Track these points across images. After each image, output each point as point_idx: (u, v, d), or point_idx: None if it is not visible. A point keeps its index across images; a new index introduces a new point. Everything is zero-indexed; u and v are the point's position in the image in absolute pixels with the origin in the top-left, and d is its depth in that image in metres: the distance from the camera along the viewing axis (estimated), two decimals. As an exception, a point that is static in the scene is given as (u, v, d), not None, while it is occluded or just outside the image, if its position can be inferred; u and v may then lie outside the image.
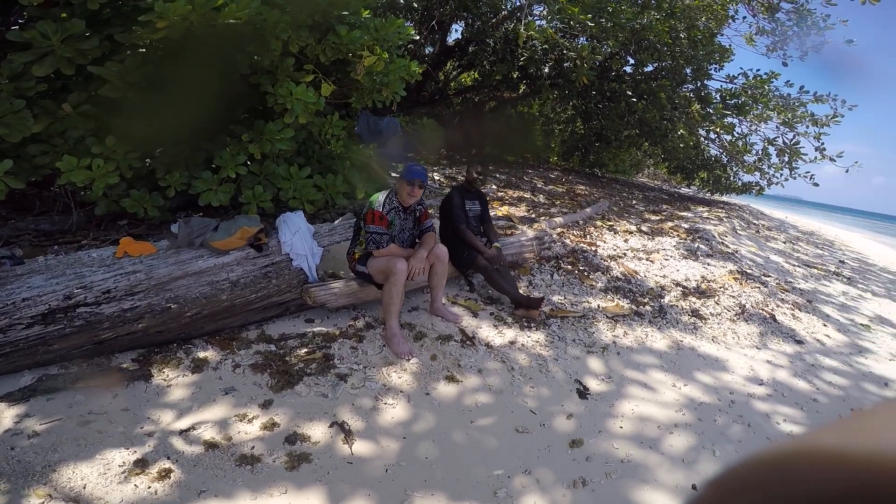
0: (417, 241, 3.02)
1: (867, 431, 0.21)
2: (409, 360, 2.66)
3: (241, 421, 2.06)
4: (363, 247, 2.81)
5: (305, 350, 2.66)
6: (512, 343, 3.01)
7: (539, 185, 9.29)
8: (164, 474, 1.76)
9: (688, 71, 8.98)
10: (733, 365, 3.30)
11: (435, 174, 8.15)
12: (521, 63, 7.63)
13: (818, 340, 4.05)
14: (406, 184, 2.78)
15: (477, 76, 10.38)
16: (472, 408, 2.41)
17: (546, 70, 7.45)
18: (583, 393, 2.65)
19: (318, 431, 2.07)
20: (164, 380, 2.26)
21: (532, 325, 3.25)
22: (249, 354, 2.56)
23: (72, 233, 3.62)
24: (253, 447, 1.93)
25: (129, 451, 1.83)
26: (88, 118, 3.02)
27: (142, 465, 1.78)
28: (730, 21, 8.92)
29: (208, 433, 1.97)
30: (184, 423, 2.00)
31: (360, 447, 2.03)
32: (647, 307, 3.90)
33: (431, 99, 10.56)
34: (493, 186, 8.14)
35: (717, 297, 4.36)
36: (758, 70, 9.31)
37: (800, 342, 3.88)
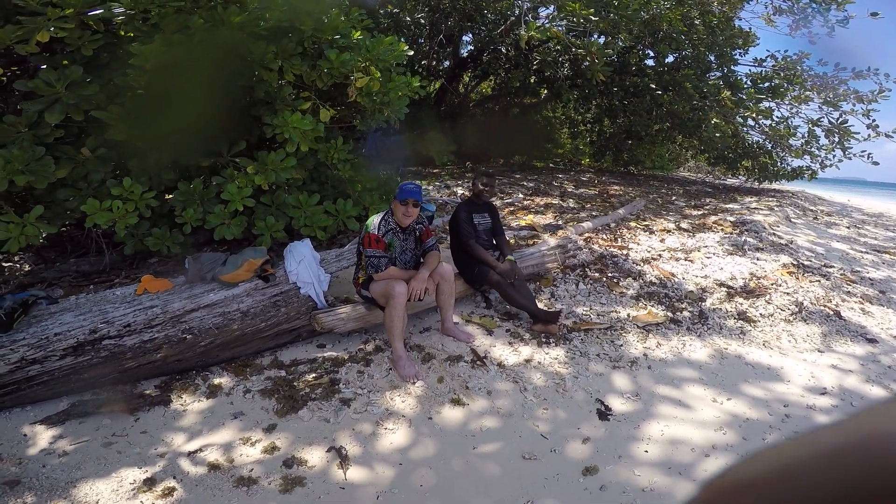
0: (422, 260, 2.92)
1: (866, 431, 0.21)
2: (414, 383, 2.57)
3: (244, 444, 2.13)
4: (365, 271, 2.76)
5: (313, 375, 2.68)
6: (527, 361, 2.83)
7: (569, 190, 8.98)
8: (168, 493, 1.87)
9: (711, 58, 8.58)
10: (789, 373, 2.92)
11: (458, 189, 8.09)
12: (535, 67, 7.51)
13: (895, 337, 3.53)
14: (400, 204, 2.71)
15: (495, 85, 10.33)
16: (476, 433, 2.27)
17: (564, 72, 7.28)
18: (604, 414, 2.42)
19: (315, 456, 2.08)
20: (182, 405, 2.40)
21: (551, 340, 3.05)
22: (260, 380, 2.63)
23: (106, 272, 3.85)
24: (252, 469, 1.99)
25: (141, 470, 1.97)
26: (107, 161, 3.21)
27: (150, 483, 1.91)
28: (744, 3, 8.49)
29: (213, 455, 2.06)
30: (193, 446, 2.11)
31: (355, 473, 2.01)
32: (686, 313, 3.58)
33: (453, 112, 10.59)
34: (520, 195, 7.96)
35: (768, 296, 3.94)
36: (786, 51, 8.88)
37: (872, 341, 3.39)
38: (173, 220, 3.42)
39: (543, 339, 3.05)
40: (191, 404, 2.40)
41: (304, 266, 2.84)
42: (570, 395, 2.57)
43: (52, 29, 2.40)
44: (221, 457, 2.05)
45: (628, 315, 3.46)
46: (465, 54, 9.85)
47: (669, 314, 3.51)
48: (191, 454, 2.05)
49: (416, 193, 2.70)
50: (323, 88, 3.39)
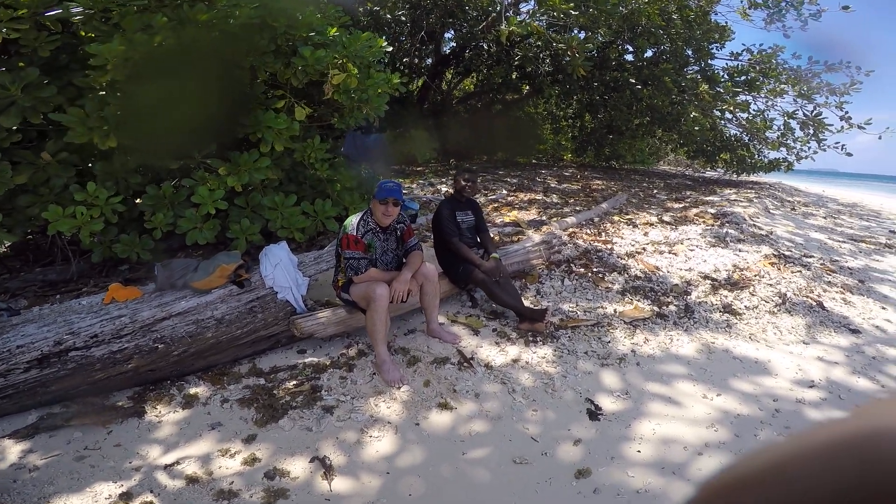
0: (405, 260, 2.83)
1: (865, 430, 0.21)
2: (399, 387, 2.48)
3: (223, 456, 2.05)
4: (345, 274, 2.65)
5: (294, 382, 2.59)
6: (515, 361, 2.77)
7: (552, 185, 8.98)
8: (146, 506, 1.78)
9: (689, 52, 8.69)
10: (776, 366, 2.91)
11: (442, 186, 8.01)
12: (516, 63, 7.47)
13: (878, 327, 3.54)
14: (379, 203, 2.60)
15: (477, 81, 10.28)
16: (465, 438, 2.20)
17: (544, 67, 7.26)
18: (594, 414, 2.37)
19: (298, 467, 2.01)
20: (157, 416, 2.31)
21: (539, 338, 2.99)
22: (239, 389, 2.54)
23: (74, 281, 3.66)
24: (232, 482, 1.92)
25: (116, 484, 1.90)
26: (69, 165, 3.04)
27: (126, 497, 1.84)
28: None
29: (191, 468, 1.98)
30: (169, 458, 2.03)
31: (340, 483, 1.94)
32: (672, 307, 3.56)
33: (436, 110, 10.50)
34: (504, 191, 7.91)
35: (752, 288, 3.95)
36: (761, 45, 9.20)
37: (855, 331, 3.41)
38: (143, 225, 3.26)
39: (531, 338, 2.99)
40: (166, 415, 2.32)
41: (281, 270, 2.72)
42: (559, 396, 2.52)
43: (4, 30, 2.25)
44: (200, 469, 1.98)
45: (615, 310, 3.43)
46: (448, 51, 9.77)
47: (655, 308, 3.49)
48: (167, 467, 1.98)
49: (396, 192, 2.61)
50: (298, 86, 3.27)
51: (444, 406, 2.39)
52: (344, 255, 2.60)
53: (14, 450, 2.06)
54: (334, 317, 2.80)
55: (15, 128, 2.68)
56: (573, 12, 5.54)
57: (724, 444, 2.18)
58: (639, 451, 2.14)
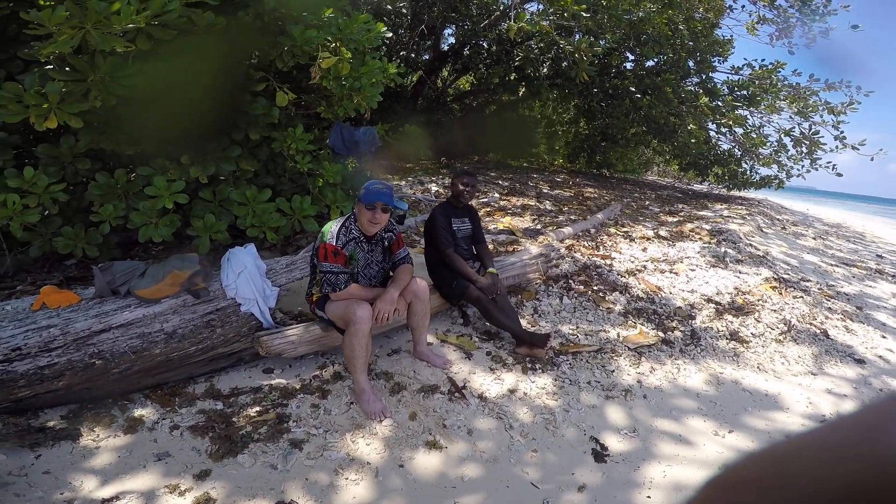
0: (392, 274, 2.47)
1: (865, 430, 0.21)
2: (381, 421, 2.15)
3: (171, 493, 1.78)
4: (320, 288, 2.28)
5: (257, 409, 2.23)
6: (512, 392, 2.46)
7: (545, 190, 8.74)
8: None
9: (690, 64, 8.58)
10: (786, 399, 2.73)
11: (433, 185, 7.66)
12: (516, 64, 7.21)
13: (881, 357, 3.45)
14: (365, 208, 2.21)
15: (474, 80, 9.97)
16: (456, 483, 1.90)
17: (544, 70, 7.01)
18: (600, 455, 2.10)
19: None
20: (94, 440, 2.02)
21: (538, 365, 2.69)
22: (192, 413, 2.20)
23: (9, 277, 3.19)
24: None
25: None
26: (6, 147, 2.60)
27: None
28: (728, 11, 8.59)
29: None
30: (107, 492, 1.78)
31: None
32: (677, 332, 3.31)
33: (430, 106, 10.15)
34: (496, 195, 7.62)
35: (756, 313, 3.75)
36: (762, 60, 9.02)
37: (860, 361, 3.29)
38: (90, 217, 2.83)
39: (529, 365, 2.68)
40: (105, 440, 2.02)
41: (245, 278, 2.34)
42: (561, 434, 2.23)
43: None
44: None
45: (618, 335, 3.15)
46: (446, 48, 9.43)
47: (661, 334, 3.23)
48: (104, 501, 1.72)
49: (386, 196, 2.21)
50: (283, 69, 2.89)
51: (432, 445, 2.07)
52: (320, 268, 2.22)
53: (-77, 474, 1.75)
54: (307, 334, 2.43)
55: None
56: (584, 14, 5.28)
57: None
58: (649, 497, 1.91)
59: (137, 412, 2.18)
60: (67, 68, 2.20)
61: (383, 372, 2.52)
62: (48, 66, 2.25)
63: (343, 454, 1.99)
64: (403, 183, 7.69)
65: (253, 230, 2.99)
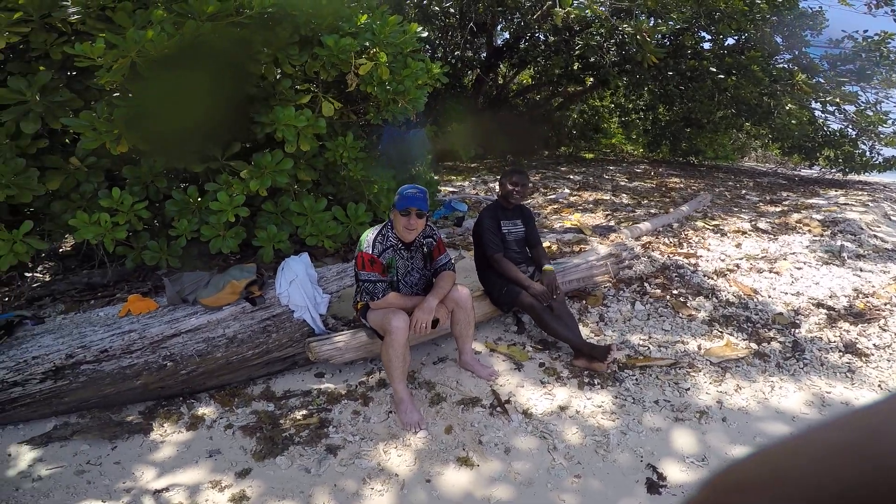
0: (435, 280, 2.39)
1: (866, 430, 0.21)
2: (416, 432, 2.08)
3: (213, 488, 1.90)
4: (361, 296, 2.27)
5: (303, 413, 2.30)
6: (562, 409, 2.24)
7: (622, 183, 8.12)
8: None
9: (779, 39, 7.44)
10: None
11: (496, 185, 7.49)
12: (577, 52, 6.77)
13: None
14: (400, 214, 2.16)
15: (534, 73, 9.59)
16: None
17: (610, 57, 6.52)
18: (655, 485, 1.83)
19: None
20: (161, 435, 2.21)
21: (597, 380, 2.44)
22: (246, 413, 2.33)
23: (111, 286, 3.66)
24: None
25: None
26: (98, 170, 2.96)
27: None
28: None
29: (178, 497, 1.86)
30: (160, 483, 1.93)
31: None
32: (775, 343, 2.83)
33: (492, 103, 9.97)
34: (566, 190, 7.24)
35: (881, 320, 3.10)
36: (865, 31, 7.59)
37: None
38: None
39: (586, 380, 2.45)
40: (170, 435, 2.20)
41: (297, 287, 2.42)
42: (612, 458, 1.99)
43: (6, 34, 2.14)
44: (186, 500, 1.84)
45: (699, 346, 2.77)
46: (501, 43, 9.20)
47: (754, 345, 2.79)
48: (156, 493, 1.87)
49: (420, 200, 2.14)
50: (328, 80, 2.96)
51: (463, 461, 1.96)
52: (359, 277, 2.22)
53: (27, 456, 2.06)
54: (354, 341, 2.45)
55: (40, 133, 2.61)
56: (642, -6, 4.80)
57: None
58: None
59: (201, 410, 2.35)
60: (129, 95, 2.44)
61: (426, 381, 2.45)
62: (115, 94, 2.51)
63: (374, 463, 1.98)
64: (466, 183, 7.61)
65: (311, 239, 3.10)
